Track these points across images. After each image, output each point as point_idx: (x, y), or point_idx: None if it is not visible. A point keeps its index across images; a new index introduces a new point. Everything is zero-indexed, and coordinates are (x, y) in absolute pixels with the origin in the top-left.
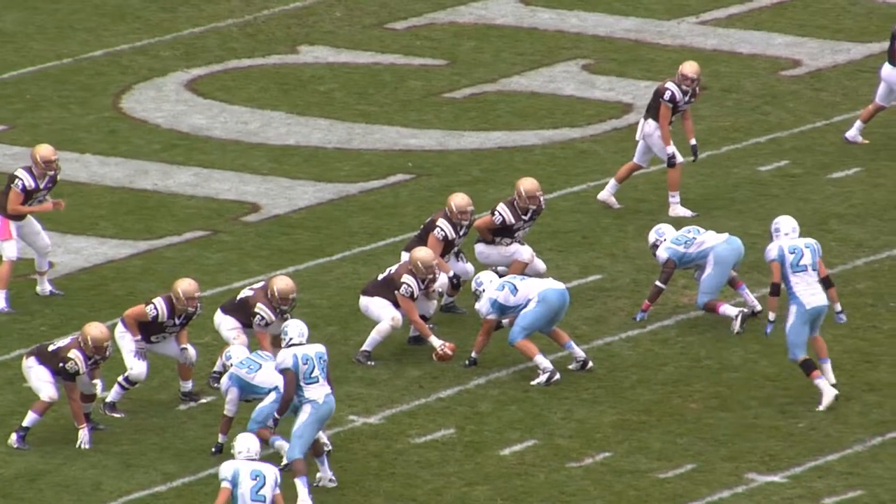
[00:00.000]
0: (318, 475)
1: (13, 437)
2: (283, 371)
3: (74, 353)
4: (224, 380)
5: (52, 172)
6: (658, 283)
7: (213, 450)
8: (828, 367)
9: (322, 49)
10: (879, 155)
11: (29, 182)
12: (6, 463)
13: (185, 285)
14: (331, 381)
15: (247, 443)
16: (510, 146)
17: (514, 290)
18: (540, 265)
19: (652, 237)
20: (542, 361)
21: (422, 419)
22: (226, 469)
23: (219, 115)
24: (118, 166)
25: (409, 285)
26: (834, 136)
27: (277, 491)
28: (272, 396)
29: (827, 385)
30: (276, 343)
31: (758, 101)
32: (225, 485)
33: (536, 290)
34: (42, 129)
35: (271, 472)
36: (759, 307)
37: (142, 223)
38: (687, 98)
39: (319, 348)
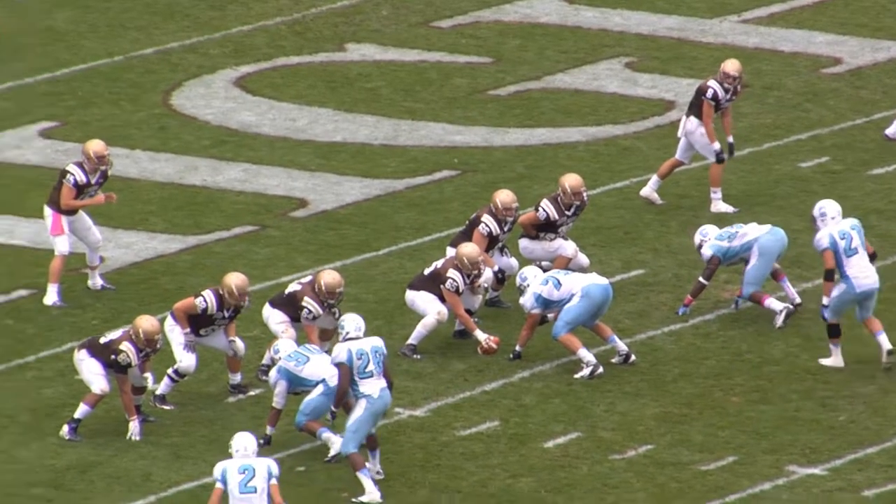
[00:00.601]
0: (367, 465)
1: (65, 428)
2: (337, 365)
3: (126, 346)
4: (272, 373)
5: (103, 168)
6: (701, 279)
7: (262, 441)
8: (883, 338)
9: (369, 47)
10: None
11: (80, 177)
12: (58, 454)
13: (236, 280)
14: (388, 375)
15: (243, 441)
16: (554, 143)
17: (558, 284)
18: (583, 260)
19: (697, 239)
20: (586, 355)
21: (467, 412)
22: (217, 469)
23: (267, 112)
24: (168, 162)
25: (454, 280)
26: (874, 134)
27: (273, 482)
28: (319, 389)
29: (837, 353)
30: (324, 336)
31: (799, 98)
32: (217, 485)
33: (580, 285)
34: (93, 126)
35: (263, 465)
36: (798, 300)
37: (191, 218)
38: (728, 96)
39: (376, 342)
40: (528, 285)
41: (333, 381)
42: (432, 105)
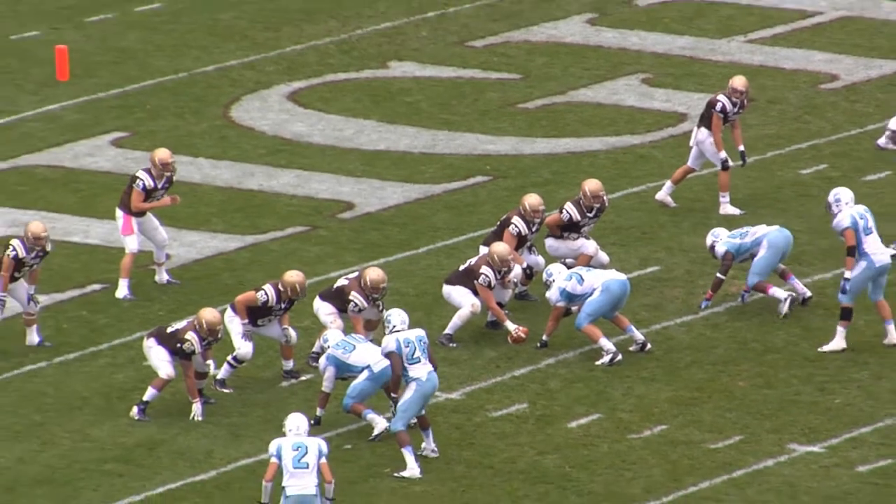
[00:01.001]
0: (423, 445)
1: (134, 409)
2: (388, 355)
3: (190, 335)
4: (322, 360)
5: (168, 174)
6: (719, 274)
7: (313, 422)
8: (891, 327)
9: (409, 64)
10: None
11: (149, 182)
12: (128, 433)
13: (297, 277)
14: (433, 360)
15: (296, 421)
16: (578, 151)
17: (581, 280)
18: (604, 257)
19: (709, 240)
20: (606, 344)
21: (498, 395)
22: (272, 445)
23: (317, 124)
24: (228, 169)
25: (486, 275)
26: (868, 143)
27: (323, 460)
28: (364, 374)
29: (842, 337)
30: (368, 327)
31: (799, 111)
32: (273, 460)
33: (601, 280)
34: (160, 136)
35: (314, 444)
36: (809, 294)
37: (248, 220)
38: (736, 109)
39: (420, 332)
40: (554, 280)
41: (377, 367)
42: (467, 117)
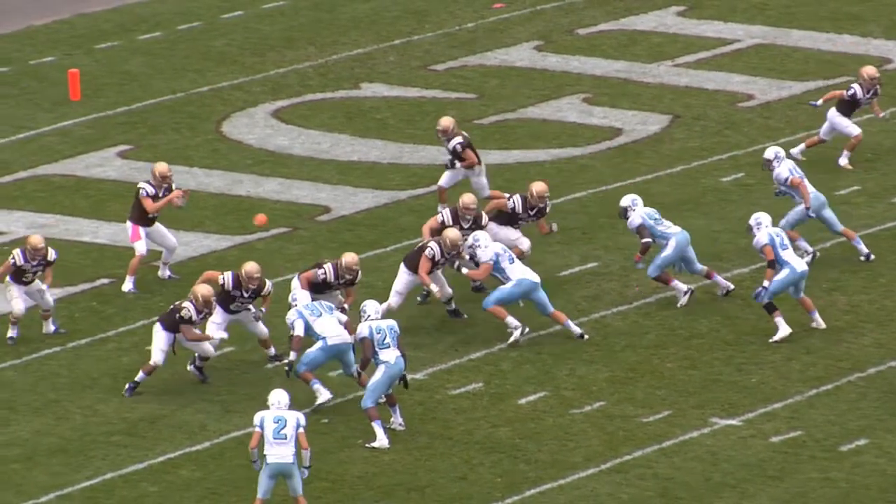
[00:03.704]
0: (392, 420)
1: (126, 386)
2: (361, 340)
3: (187, 304)
4: (292, 314)
5: (166, 184)
6: (644, 242)
7: (287, 368)
8: (816, 315)
9: (379, 86)
10: (815, 168)
11: (150, 190)
12: (132, 409)
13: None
14: (401, 348)
15: (278, 396)
16: (526, 162)
17: (511, 260)
18: (525, 247)
19: (626, 202)
20: (511, 321)
21: (456, 375)
22: (256, 417)
23: (298, 138)
24: (219, 177)
25: (432, 249)
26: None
27: (301, 430)
28: (319, 344)
29: (783, 323)
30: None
31: (720, 126)
32: (256, 429)
33: (518, 275)
34: (160, 148)
35: (293, 417)
36: (731, 287)
37: (238, 222)
38: (869, 95)
39: (392, 322)
40: (487, 247)
41: (332, 340)
42: (429, 132)
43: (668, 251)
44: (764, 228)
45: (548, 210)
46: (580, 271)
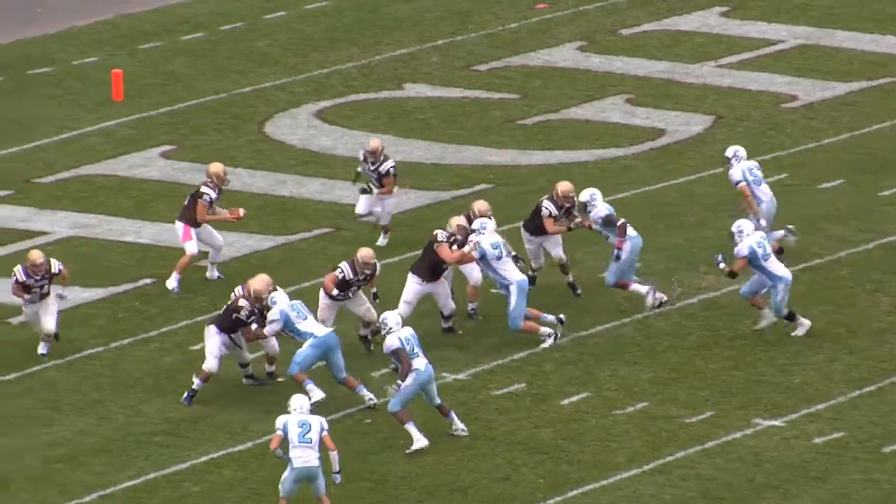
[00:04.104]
0: (454, 427)
1: (185, 394)
2: (395, 352)
3: (243, 302)
4: (275, 312)
5: (223, 185)
6: (620, 223)
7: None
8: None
9: (422, 86)
10: (861, 169)
11: (213, 195)
12: (175, 409)
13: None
14: (424, 352)
15: (300, 401)
16: (569, 162)
17: (504, 257)
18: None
19: (584, 196)
20: (544, 328)
21: (499, 376)
22: (279, 421)
23: (341, 138)
24: (262, 178)
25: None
26: (823, 156)
27: (325, 433)
28: (309, 341)
29: (768, 312)
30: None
31: (763, 127)
32: (278, 433)
33: (516, 278)
34: (203, 149)
35: (317, 421)
36: (665, 299)
37: (280, 222)
38: None
39: (410, 330)
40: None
41: (320, 333)
42: (472, 132)
43: (623, 255)
44: (746, 238)
45: (576, 210)
46: None
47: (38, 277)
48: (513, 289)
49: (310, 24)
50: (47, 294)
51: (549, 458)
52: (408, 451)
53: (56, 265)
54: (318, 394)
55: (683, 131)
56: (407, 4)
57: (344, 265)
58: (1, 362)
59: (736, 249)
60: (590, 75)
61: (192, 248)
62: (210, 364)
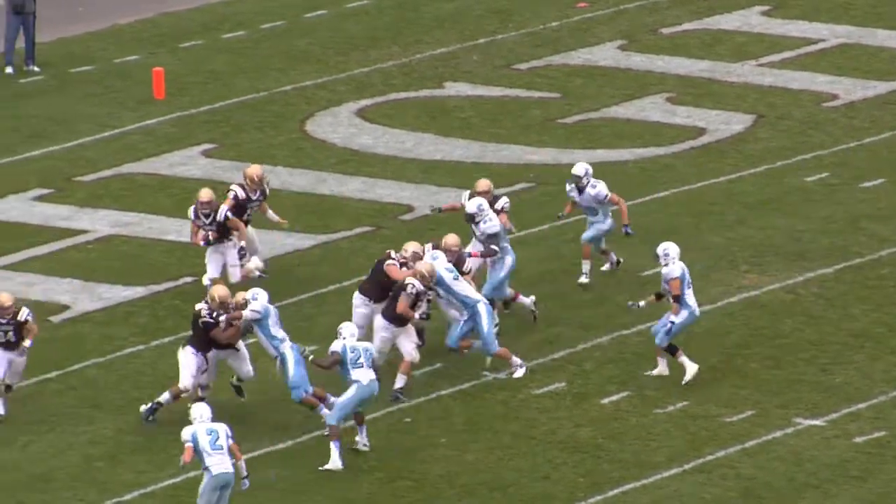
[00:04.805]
0: (357, 439)
1: (143, 408)
2: (331, 353)
3: (200, 306)
4: (257, 305)
5: (261, 188)
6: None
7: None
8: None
9: (462, 85)
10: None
11: (241, 194)
12: (217, 408)
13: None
14: (377, 371)
15: (200, 410)
16: (609, 161)
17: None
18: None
19: (472, 208)
20: (515, 358)
21: (539, 375)
22: (186, 433)
23: (382, 137)
24: (302, 176)
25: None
26: (864, 154)
27: (231, 441)
28: (292, 363)
29: (689, 362)
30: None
31: (804, 126)
32: (188, 445)
33: (478, 298)
34: (244, 147)
35: (223, 428)
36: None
37: (321, 220)
38: None
39: (369, 345)
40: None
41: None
42: (512, 131)
43: (502, 271)
44: (677, 261)
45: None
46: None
47: (3, 321)
48: (480, 308)
49: (351, 23)
50: (12, 343)
51: (589, 457)
52: (320, 468)
53: (25, 312)
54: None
55: (724, 130)
56: (448, 3)
57: (413, 280)
58: (42, 360)
59: (666, 271)
60: (630, 74)
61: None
62: (183, 381)
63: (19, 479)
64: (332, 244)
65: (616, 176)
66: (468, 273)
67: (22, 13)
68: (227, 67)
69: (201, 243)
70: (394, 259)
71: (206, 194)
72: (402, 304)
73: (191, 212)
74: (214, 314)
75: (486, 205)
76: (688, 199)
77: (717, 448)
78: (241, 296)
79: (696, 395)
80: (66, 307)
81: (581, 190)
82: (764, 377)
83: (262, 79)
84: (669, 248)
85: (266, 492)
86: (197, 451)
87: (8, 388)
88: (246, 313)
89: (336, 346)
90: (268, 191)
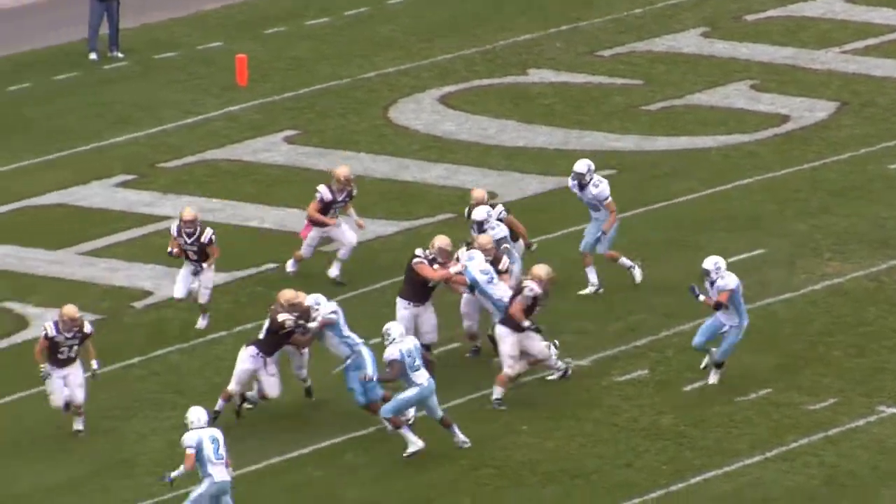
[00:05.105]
0: (454, 441)
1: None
2: (391, 362)
3: (283, 316)
4: (327, 308)
5: (348, 188)
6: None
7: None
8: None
9: (546, 72)
10: None
11: (326, 195)
12: (297, 393)
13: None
14: (428, 365)
15: (197, 414)
16: (693, 148)
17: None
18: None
19: (481, 215)
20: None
21: (622, 362)
22: (189, 438)
23: (465, 123)
24: (385, 162)
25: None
26: None
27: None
28: (370, 363)
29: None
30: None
31: (888, 113)
32: (190, 451)
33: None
34: (327, 134)
35: (220, 435)
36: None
37: (403, 207)
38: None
39: (416, 341)
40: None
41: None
42: (595, 118)
43: (510, 280)
44: (728, 273)
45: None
46: (746, 258)
47: (70, 335)
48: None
49: (434, 10)
50: (74, 359)
51: (671, 445)
52: (405, 455)
53: (88, 325)
54: (416, 443)
55: (808, 117)
56: None
57: (530, 283)
58: (125, 346)
59: (722, 284)
60: (714, 61)
61: (306, 250)
62: (233, 384)
63: (104, 464)
64: (414, 231)
65: (699, 163)
66: (505, 272)
67: (106, 0)
68: (310, 54)
69: (172, 251)
70: (421, 257)
71: (189, 213)
72: (516, 307)
73: (173, 228)
74: (300, 322)
75: (492, 211)
76: (771, 186)
77: (799, 436)
78: (300, 296)
79: (778, 382)
80: (148, 293)
81: (583, 187)
82: (847, 365)
83: (345, 65)
84: (720, 262)
85: (347, 476)
86: (199, 458)
87: (93, 375)
88: (328, 316)
89: (393, 353)
90: (354, 192)
